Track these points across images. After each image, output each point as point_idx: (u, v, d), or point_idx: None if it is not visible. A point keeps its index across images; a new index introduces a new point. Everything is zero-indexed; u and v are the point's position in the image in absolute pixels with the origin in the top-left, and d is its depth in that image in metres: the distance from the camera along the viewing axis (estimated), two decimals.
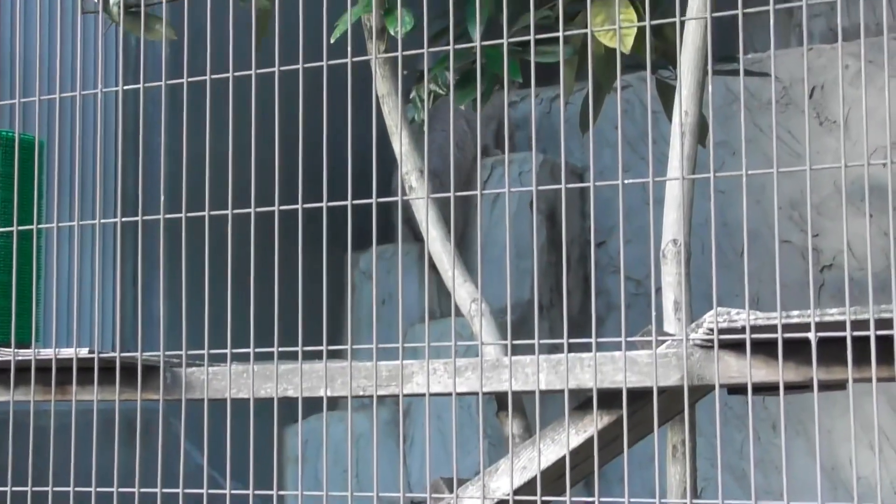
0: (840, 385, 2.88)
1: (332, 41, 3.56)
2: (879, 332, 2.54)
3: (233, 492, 3.02)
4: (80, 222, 3.27)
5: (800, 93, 6.11)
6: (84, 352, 3.22)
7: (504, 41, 2.92)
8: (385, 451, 6.19)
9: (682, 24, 3.71)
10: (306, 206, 2.97)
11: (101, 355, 3.21)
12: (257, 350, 3.02)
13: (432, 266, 4.21)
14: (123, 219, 3.23)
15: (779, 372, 2.67)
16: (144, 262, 3.18)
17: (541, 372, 3.02)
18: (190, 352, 3.15)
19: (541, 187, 3.07)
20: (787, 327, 2.67)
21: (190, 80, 3.13)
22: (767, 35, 2.86)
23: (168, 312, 3.20)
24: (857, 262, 5.63)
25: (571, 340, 2.87)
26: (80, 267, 3.33)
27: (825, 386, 2.81)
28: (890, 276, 2.57)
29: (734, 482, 6.05)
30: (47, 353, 3.29)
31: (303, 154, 2.93)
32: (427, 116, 3.22)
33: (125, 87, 3.32)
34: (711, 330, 2.79)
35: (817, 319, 2.63)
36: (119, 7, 3.93)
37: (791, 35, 6.73)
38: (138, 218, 3.18)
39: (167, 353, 3.20)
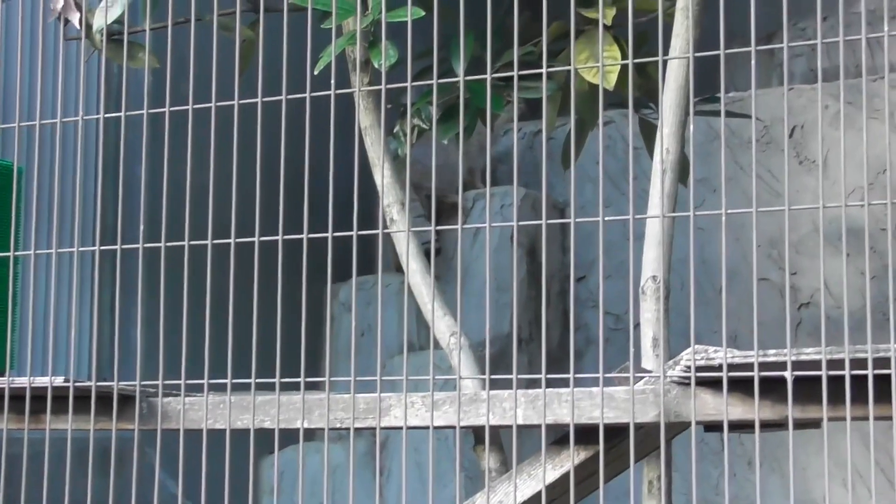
0: (815, 423, 2.88)
1: (315, 72, 3.56)
2: (854, 372, 2.55)
3: None
4: (58, 250, 3.26)
5: (780, 132, 6.14)
6: (59, 380, 3.21)
7: (488, 76, 2.93)
8: (361, 484, 6.18)
9: (665, 62, 3.72)
10: (286, 237, 2.97)
11: (77, 384, 3.20)
12: (234, 381, 3.01)
13: (413, 298, 4.21)
14: (102, 247, 3.22)
15: (755, 410, 2.68)
16: (122, 291, 3.18)
17: (518, 407, 3.02)
18: (166, 381, 3.14)
19: (522, 222, 3.08)
20: (764, 366, 2.68)
21: (172, 109, 3.12)
22: (749, 74, 2.88)
23: (145, 342, 3.19)
24: (833, 301, 5.65)
25: (549, 376, 2.87)
26: (56, 295, 3.32)
27: (800, 424, 2.82)
28: (865, 315, 2.58)
29: None
30: (22, 381, 3.28)
31: (284, 185, 2.93)
32: (409, 150, 3.23)
33: (106, 115, 3.32)
34: (689, 367, 2.80)
35: (793, 358, 2.64)
36: (102, 34, 3.93)
37: (772, 75, 6.77)
38: (117, 247, 3.17)
39: (143, 382, 3.19)
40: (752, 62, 2.77)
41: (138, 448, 3.12)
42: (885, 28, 2.78)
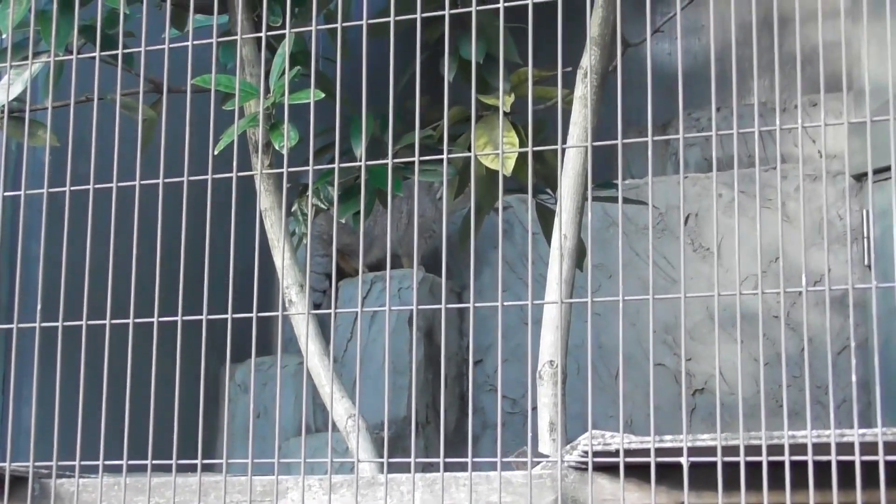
0: None
1: (216, 153, 3.57)
2: (749, 458, 2.59)
3: None
4: None
5: (675, 219, 6.24)
6: None
7: (389, 161, 2.96)
8: None
9: (564, 150, 3.78)
10: (185, 318, 2.96)
11: None
12: (130, 462, 2.98)
13: (310, 380, 4.20)
14: None
15: (651, 495, 2.70)
16: (17, 370, 3.14)
17: (416, 490, 3.02)
18: (60, 462, 3.10)
19: (420, 306, 3.10)
20: (660, 451, 2.71)
21: (73, 188, 3.11)
22: (645, 162, 2.94)
23: (39, 422, 3.14)
24: (728, 387, 5.71)
25: (447, 459, 2.87)
26: None
27: None
28: (759, 401, 2.62)
29: None
30: None
31: (184, 266, 2.92)
32: (310, 229, 3.24)
33: (6, 194, 3.29)
34: (586, 452, 2.81)
35: (689, 444, 2.67)
36: (3, 111, 3.91)
37: (668, 163, 6.88)
38: (13, 326, 3.13)
39: (37, 463, 3.15)
40: (649, 152, 2.83)
41: None
42: (777, 121, 2.85)
